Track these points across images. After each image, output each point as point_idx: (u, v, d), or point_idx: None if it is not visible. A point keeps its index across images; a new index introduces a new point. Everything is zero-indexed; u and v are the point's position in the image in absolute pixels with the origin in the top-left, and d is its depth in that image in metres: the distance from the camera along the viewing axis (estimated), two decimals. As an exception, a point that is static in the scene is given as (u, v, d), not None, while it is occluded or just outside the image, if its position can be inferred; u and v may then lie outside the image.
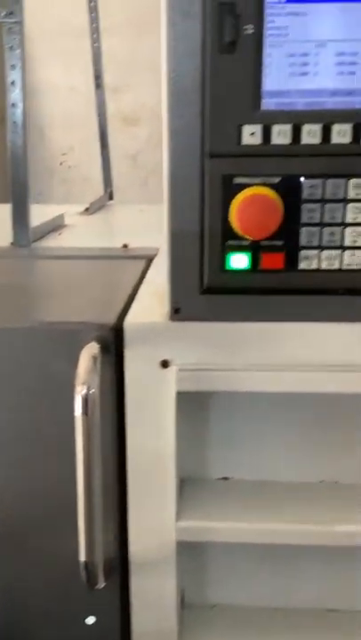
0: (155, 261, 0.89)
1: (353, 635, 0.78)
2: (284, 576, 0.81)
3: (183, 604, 0.82)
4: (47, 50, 2.48)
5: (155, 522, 0.70)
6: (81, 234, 1.15)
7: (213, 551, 0.81)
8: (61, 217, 1.19)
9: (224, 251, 0.60)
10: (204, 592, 0.83)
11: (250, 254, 0.60)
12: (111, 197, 1.59)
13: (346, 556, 0.77)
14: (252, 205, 0.57)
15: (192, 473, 0.78)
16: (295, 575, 0.81)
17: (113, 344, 0.65)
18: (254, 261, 0.60)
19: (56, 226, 1.16)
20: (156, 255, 0.91)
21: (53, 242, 1.07)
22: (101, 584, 0.68)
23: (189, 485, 0.77)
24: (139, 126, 2.54)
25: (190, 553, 0.80)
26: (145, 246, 0.97)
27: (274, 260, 0.60)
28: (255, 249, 0.60)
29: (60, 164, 2.54)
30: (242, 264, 0.60)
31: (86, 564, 0.66)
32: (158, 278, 0.65)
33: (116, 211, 1.48)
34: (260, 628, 0.79)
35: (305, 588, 0.81)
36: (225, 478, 0.78)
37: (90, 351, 0.63)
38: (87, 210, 1.36)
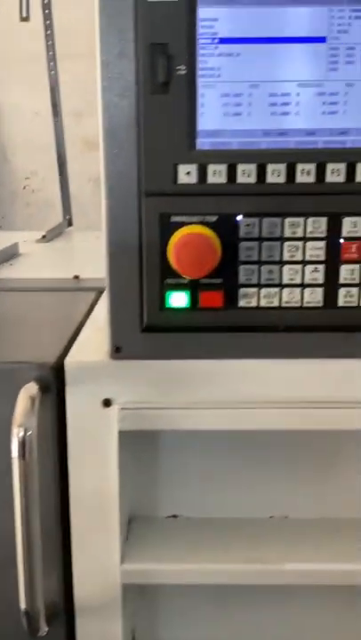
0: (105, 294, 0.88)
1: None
2: (236, 614, 0.79)
3: (134, 645, 0.81)
4: (11, 74, 2.48)
5: (99, 565, 0.68)
6: (34, 264, 1.14)
7: (164, 590, 0.79)
8: (15, 246, 1.18)
9: (163, 289, 0.60)
10: (155, 632, 0.81)
11: (189, 293, 0.60)
12: (70, 224, 1.58)
13: (298, 594, 0.76)
14: (189, 244, 0.57)
15: (141, 511, 0.76)
16: (247, 613, 0.79)
17: (54, 383, 0.64)
18: (193, 300, 0.60)
19: (9, 255, 1.15)
20: (106, 287, 0.90)
21: (5, 272, 1.05)
22: (44, 631, 0.66)
23: (138, 524, 0.75)
24: (103, 150, 2.54)
25: (141, 592, 0.79)
26: (97, 277, 0.95)
27: (213, 299, 0.60)
28: (194, 287, 0.59)
29: (24, 187, 2.53)
30: (181, 303, 0.60)
31: (27, 611, 0.63)
32: (105, 312, 0.65)
33: (73, 238, 1.47)
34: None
35: (257, 626, 0.80)
36: (174, 516, 0.77)
37: (28, 392, 0.62)
38: (44, 237, 1.35)
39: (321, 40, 0.55)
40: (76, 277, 0.99)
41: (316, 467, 0.74)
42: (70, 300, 0.88)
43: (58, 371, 0.64)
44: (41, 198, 2.49)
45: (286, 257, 0.59)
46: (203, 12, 0.55)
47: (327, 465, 0.74)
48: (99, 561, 0.68)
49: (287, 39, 0.55)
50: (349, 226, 0.58)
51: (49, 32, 1.43)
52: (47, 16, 1.40)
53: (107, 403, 0.64)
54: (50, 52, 1.43)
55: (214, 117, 0.57)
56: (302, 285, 0.60)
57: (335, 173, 0.57)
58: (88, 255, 1.24)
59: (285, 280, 0.60)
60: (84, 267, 1.03)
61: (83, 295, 0.88)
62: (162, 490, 0.76)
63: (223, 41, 0.55)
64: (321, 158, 0.57)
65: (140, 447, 0.73)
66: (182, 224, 0.58)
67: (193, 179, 0.57)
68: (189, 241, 0.56)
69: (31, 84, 2.45)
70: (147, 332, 0.61)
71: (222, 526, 0.75)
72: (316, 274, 0.59)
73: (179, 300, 0.60)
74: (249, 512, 0.76)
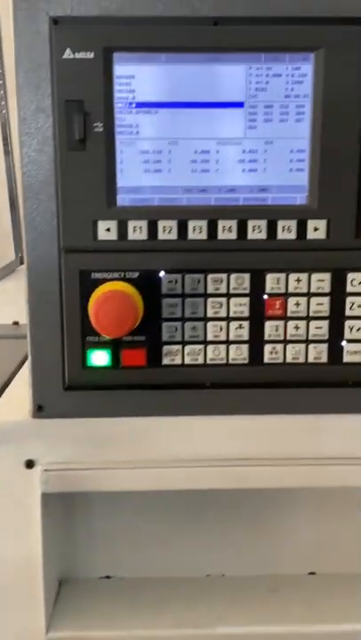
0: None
1: None
2: None
3: None
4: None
5: (24, 635, 0.64)
6: (-24, 307, 1.11)
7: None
8: None
9: (84, 347, 0.58)
10: None
11: (110, 351, 0.58)
12: (22, 262, 1.55)
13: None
14: (107, 303, 0.55)
15: (72, 573, 0.73)
16: None
17: (-26, 444, 0.61)
18: (115, 358, 0.58)
19: None
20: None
21: None
22: None
23: (69, 587, 0.72)
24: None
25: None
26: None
27: (135, 357, 0.58)
28: (116, 345, 0.58)
29: (-18, 222, 2.50)
30: (102, 361, 0.58)
31: None
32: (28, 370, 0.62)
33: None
34: None
35: None
36: (107, 577, 0.74)
37: None
38: (-8, 277, 1.33)
39: (239, 105, 0.55)
40: (16, 323, 0.96)
41: (251, 523, 0.72)
42: (5, 350, 0.85)
43: (-22, 431, 0.61)
44: (-1, 232, 2.46)
45: (210, 313, 0.58)
46: (119, 70, 0.54)
47: (263, 521, 0.72)
48: (24, 630, 0.64)
49: (204, 104, 0.55)
50: (272, 282, 0.57)
51: (0, 71, 1.42)
52: (-3, 56, 1.40)
53: (29, 464, 0.61)
54: (0, 90, 1.42)
55: (134, 174, 0.56)
56: (227, 342, 0.58)
57: (257, 230, 0.56)
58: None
59: (210, 337, 0.58)
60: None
61: (20, 344, 0.86)
62: (94, 550, 0.73)
63: (140, 105, 0.55)
64: (242, 215, 0.56)
65: (69, 506, 0.71)
66: (103, 280, 0.57)
67: (113, 235, 0.56)
68: (107, 300, 0.55)
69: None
70: (69, 390, 0.59)
71: (157, 586, 0.72)
72: (241, 330, 0.58)
73: (100, 358, 0.58)
74: (185, 571, 0.73)
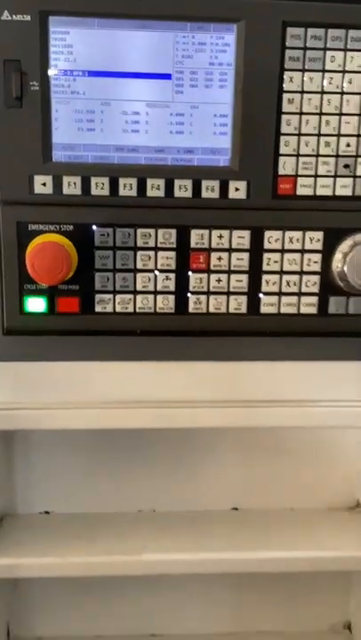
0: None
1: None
2: (106, 605, 0.83)
3: (9, 637, 0.83)
4: None
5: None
6: None
7: (39, 584, 0.82)
8: None
9: (22, 294, 0.62)
10: (29, 624, 0.83)
11: (46, 298, 0.62)
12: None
13: (163, 581, 0.81)
14: (42, 252, 0.59)
15: (13, 508, 0.79)
16: (117, 603, 0.83)
17: None
18: (51, 305, 0.62)
19: None
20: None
21: None
22: None
23: (9, 521, 0.77)
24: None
25: (12, 587, 0.81)
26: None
27: (69, 304, 0.63)
28: (52, 293, 0.62)
29: None
30: (39, 308, 0.62)
31: None
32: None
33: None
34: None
35: (128, 615, 0.84)
36: (46, 512, 0.79)
37: None
38: None
39: (166, 77, 0.59)
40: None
41: (181, 463, 0.78)
42: None
43: None
44: None
45: (139, 265, 0.63)
46: (55, 33, 0.57)
47: (192, 461, 0.78)
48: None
49: (135, 74, 0.59)
50: (197, 238, 0.62)
51: None
52: None
53: (-30, 404, 0.66)
54: None
55: (69, 132, 0.60)
56: (155, 292, 0.63)
57: (183, 189, 0.61)
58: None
59: (139, 287, 0.63)
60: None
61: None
62: (34, 485, 0.78)
63: (75, 66, 0.58)
64: (169, 174, 0.60)
65: (10, 445, 0.76)
66: (40, 232, 0.61)
67: (49, 189, 0.60)
68: (42, 249, 0.59)
69: None
70: (8, 334, 0.64)
71: (92, 521, 0.78)
72: (168, 282, 0.63)
73: (36, 305, 0.62)
74: (119, 506, 0.79)
